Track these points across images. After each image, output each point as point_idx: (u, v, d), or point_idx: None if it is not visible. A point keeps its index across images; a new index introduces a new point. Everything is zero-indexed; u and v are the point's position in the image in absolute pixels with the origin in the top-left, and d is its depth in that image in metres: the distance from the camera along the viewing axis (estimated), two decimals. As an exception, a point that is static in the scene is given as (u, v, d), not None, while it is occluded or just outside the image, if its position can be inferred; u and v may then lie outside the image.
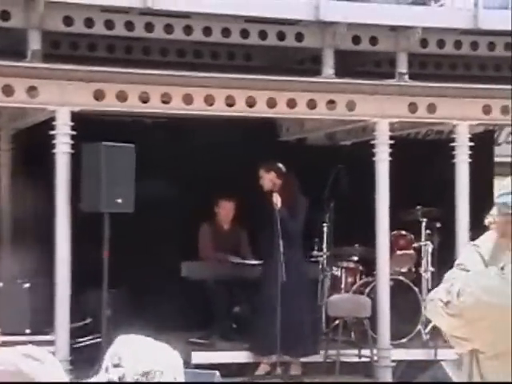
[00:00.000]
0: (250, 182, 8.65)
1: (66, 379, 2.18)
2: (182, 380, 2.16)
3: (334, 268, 9.58)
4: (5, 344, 3.03)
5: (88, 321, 8.66)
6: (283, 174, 8.57)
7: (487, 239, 2.72)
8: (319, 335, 9.06)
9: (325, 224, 9.48)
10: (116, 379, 2.11)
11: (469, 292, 2.55)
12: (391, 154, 8.79)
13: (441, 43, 9.31)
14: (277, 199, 8.34)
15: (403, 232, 9.57)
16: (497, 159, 11.48)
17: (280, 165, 8.63)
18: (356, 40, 8.96)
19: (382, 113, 8.88)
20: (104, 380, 2.14)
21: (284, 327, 8.15)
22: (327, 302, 9.06)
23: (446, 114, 9.06)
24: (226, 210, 9.53)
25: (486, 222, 2.70)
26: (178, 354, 2.20)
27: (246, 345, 8.64)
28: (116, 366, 2.13)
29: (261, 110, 8.64)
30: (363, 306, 8.81)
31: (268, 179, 8.55)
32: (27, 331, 8.02)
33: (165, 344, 2.21)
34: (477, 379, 2.57)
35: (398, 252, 9.43)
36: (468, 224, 8.86)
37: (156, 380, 2.11)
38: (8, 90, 7.96)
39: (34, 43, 8.18)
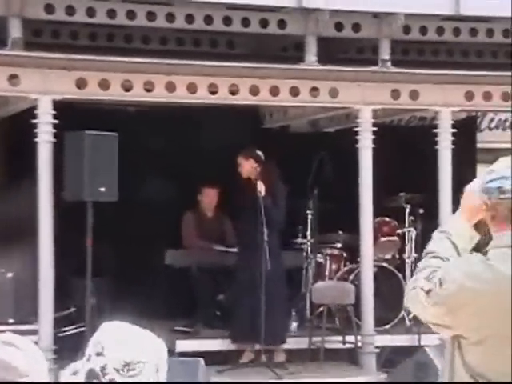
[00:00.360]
0: (233, 170, 8.64)
1: (47, 368, 2.17)
2: (165, 369, 2.15)
3: (318, 255, 9.60)
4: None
5: (72, 310, 8.64)
6: (262, 161, 8.53)
7: (457, 225, 2.71)
8: (302, 321, 9.09)
9: (308, 211, 9.49)
10: (98, 369, 2.10)
11: (451, 279, 2.55)
12: (374, 141, 8.81)
13: (423, 30, 9.31)
14: (261, 187, 8.33)
15: (387, 218, 9.59)
16: (479, 145, 11.52)
17: (259, 152, 8.59)
18: (339, 27, 8.95)
19: (364, 100, 8.89)
20: (85, 368, 2.13)
21: (266, 315, 8.16)
22: (311, 289, 9.08)
23: (428, 101, 9.08)
24: (209, 198, 9.52)
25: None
26: (163, 341, 2.19)
27: (229, 332, 8.64)
28: (98, 354, 2.12)
29: (244, 98, 8.62)
30: (347, 292, 8.83)
31: (247, 166, 8.53)
32: (10, 320, 8.00)
33: (149, 332, 2.20)
34: (459, 365, 2.57)
35: (382, 238, 9.46)
36: (451, 210, 8.89)
37: (137, 370, 2.10)
38: (-11, 79, 7.91)
39: (15, 31, 8.12)
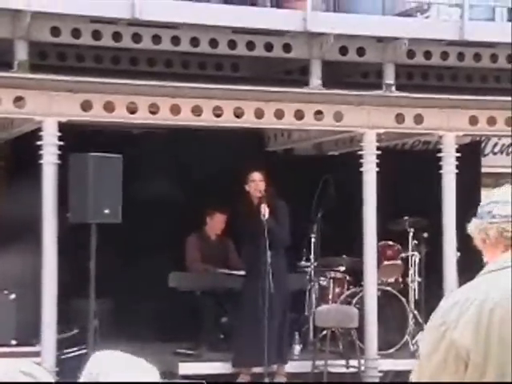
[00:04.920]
0: (236, 193, 8.65)
1: None
2: None
3: (322, 278, 9.58)
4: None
5: (75, 331, 8.62)
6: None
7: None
8: (305, 344, 9.07)
9: (312, 234, 9.48)
10: None
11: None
12: (378, 165, 8.82)
13: (427, 54, 9.35)
14: (264, 210, 8.33)
15: (390, 242, 9.58)
16: (484, 170, 11.52)
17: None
18: (343, 51, 8.99)
19: (369, 123, 8.91)
20: None
21: (270, 338, 8.14)
22: (315, 313, 9.06)
23: (432, 125, 9.10)
24: (219, 223, 9.51)
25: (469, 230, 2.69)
26: (154, 367, 2.17)
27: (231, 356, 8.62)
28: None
29: (248, 121, 8.65)
30: (351, 316, 8.81)
31: (262, 184, 8.52)
32: (13, 342, 7.98)
33: (141, 359, 2.18)
34: None
35: (386, 262, 9.44)
36: (455, 234, 8.88)
37: None
38: (-5, 101, 7.94)
39: (21, 53, 8.17)
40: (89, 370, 2.13)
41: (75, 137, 8.18)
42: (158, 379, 2.14)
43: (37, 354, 7.69)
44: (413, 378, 2.51)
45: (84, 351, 7.97)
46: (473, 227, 2.63)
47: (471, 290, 2.48)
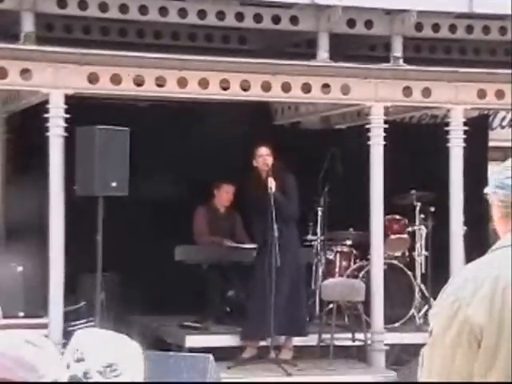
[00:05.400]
0: (244, 166, 8.63)
1: (63, 369, 2.16)
2: (142, 368, 2.12)
3: (328, 252, 9.59)
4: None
5: (82, 304, 8.66)
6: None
7: None
8: (311, 318, 9.09)
9: (319, 208, 9.48)
10: (80, 375, 2.08)
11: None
12: (385, 138, 8.79)
13: (436, 27, 9.29)
14: (271, 183, 8.32)
15: (397, 216, 9.57)
16: (491, 144, 11.48)
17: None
18: (351, 23, 8.93)
19: (376, 97, 8.87)
20: (67, 376, 2.09)
21: (277, 311, 8.16)
22: (321, 286, 9.07)
23: (440, 99, 9.05)
24: (226, 193, 9.49)
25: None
26: (137, 344, 2.17)
27: (239, 329, 8.64)
28: (79, 360, 2.09)
29: (255, 94, 8.62)
30: (357, 290, 8.82)
31: (269, 158, 8.50)
32: (20, 314, 8.02)
33: (124, 335, 2.18)
34: None
35: (392, 236, 9.44)
36: (462, 208, 8.87)
37: (119, 371, 2.08)
38: (1, 73, 7.92)
39: (28, 25, 8.14)
40: (72, 346, 2.13)
41: (82, 110, 8.16)
42: (140, 356, 2.14)
43: (44, 326, 7.73)
44: (425, 355, 2.50)
45: (91, 324, 8.00)
46: (494, 197, 2.57)
47: (484, 267, 2.45)
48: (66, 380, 2.10)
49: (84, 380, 2.06)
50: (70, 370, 2.10)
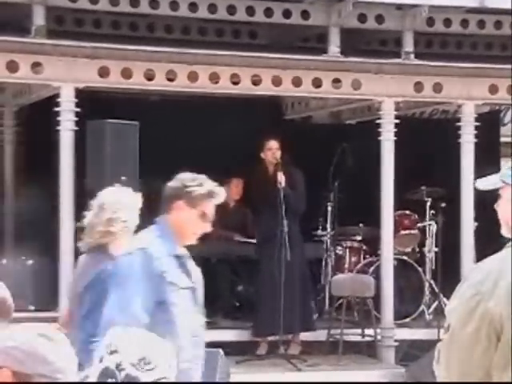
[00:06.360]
0: (253, 161, 8.62)
1: (76, 362, 2.16)
2: (175, 368, 2.12)
3: (338, 247, 9.58)
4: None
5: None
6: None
7: None
8: (321, 313, 9.08)
9: (329, 203, 9.47)
10: (113, 366, 2.07)
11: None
12: (396, 134, 8.77)
13: (447, 22, 9.25)
14: (281, 178, 8.31)
15: (407, 212, 9.55)
16: (503, 139, 11.44)
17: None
18: (362, 18, 8.91)
19: (387, 92, 8.84)
20: (99, 369, 2.09)
21: (287, 306, 8.15)
22: (331, 282, 9.06)
23: (451, 94, 9.03)
24: (235, 188, 9.48)
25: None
26: (170, 344, 2.17)
27: (248, 323, 8.64)
28: (112, 353, 2.09)
29: (266, 88, 8.60)
30: (367, 285, 8.80)
31: (278, 152, 8.48)
32: (31, 307, 8.04)
33: (153, 334, 2.18)
34: None
35: (402, 232, 9.41)
36: (473, 204, 8.84)
37: (153, 365, 2.08)
38: (12, 66, 7.93)
39: (39, 19, 8.14)
40: (106, 341, 2.12)
41: (92, 103, 8.16)
42: (173, 356, 2.13)
43: (55, 320, 7.73)
44: (442, 350, 2.48)
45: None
46: (505, 191, 2.55)
47: (503, 261, 2.44)
48: (97, 373, 2.10)
49: (117, 372, 2.06)
50: (103, 363, 2.09)
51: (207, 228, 4.17)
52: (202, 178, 4.17)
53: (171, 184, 4.18)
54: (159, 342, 2.14)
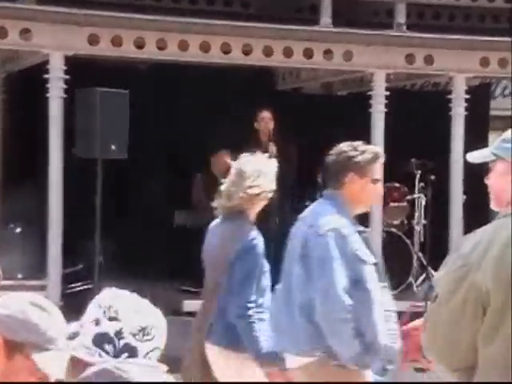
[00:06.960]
0: (244, 131, 8.59)
1: (67, 331, 2.15)
2: (165, 335, 2.11)
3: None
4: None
5: (80, 267, 8.66)
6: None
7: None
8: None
9: (318, 175, 9.44)
10: (112, 334, 2.05)
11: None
12: (387, 106, 8.74)
13: (440, -6, 9.21)
14: (273, 148, 8.29)
15: (397, 184, 9.55)
16: (493, 112, 11.43)
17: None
18: (354, -11, 8.86)
19: (378, 63, 8.81)
20: (95, 332, 2.07)
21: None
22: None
23: (443, 66, 9.00)
24: (222, 161, 9.45)
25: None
26: (160, 311, 2.16)
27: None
28: (112, 319, 2.06)
29: (257, 58, 8.56)
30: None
31: (271, 123, 8.47)
32: (19, 276, 8.03)
33: (146, 300, 2.16)
34: None
35: (391, 204, 9.42)
36: (462, 177, 8.85)
37: (151, 336, 2.07)
38: (1, 32, 7.86)
39: (28, -15, 8.06)
40: (99, 302, 2.10)
41: (82, 71, 8.10)
42: (165, 324, 2.12)
43: (42, 288, 7.73)
44: (429, 319, 2.48)
45: (89, 287, 8.01)
46: (502, 165, 2.53)
47: (493, 232, 2.44)
48: (91, 335, 2.06)
49: (116, 339, 2.04)
50: (101, 327, 2.06)
51: (381, 190, 4.18)
52: (359, 144, 4.08)
53: (333, 158, 4.06)
54: (155, 310, 2.13)
